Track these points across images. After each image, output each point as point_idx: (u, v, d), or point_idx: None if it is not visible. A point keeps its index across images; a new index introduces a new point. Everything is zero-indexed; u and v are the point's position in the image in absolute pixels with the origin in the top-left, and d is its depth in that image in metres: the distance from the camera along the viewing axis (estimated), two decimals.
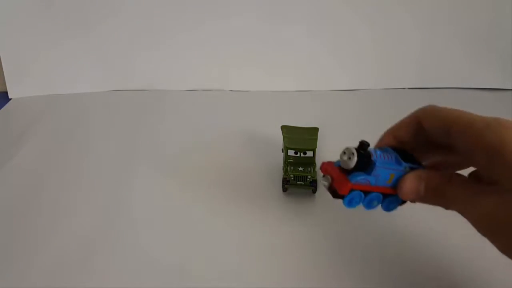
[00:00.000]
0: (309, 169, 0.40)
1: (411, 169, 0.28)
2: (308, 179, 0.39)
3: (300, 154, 0.40)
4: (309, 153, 0.40)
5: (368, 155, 0.27)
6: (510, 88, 0.61)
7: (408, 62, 0.63)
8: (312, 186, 0.39)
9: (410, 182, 0.27)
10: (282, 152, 0.43)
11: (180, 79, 0.63)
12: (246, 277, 0.32)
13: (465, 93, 0.61)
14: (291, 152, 0.40)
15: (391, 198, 0.29)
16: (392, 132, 0.29)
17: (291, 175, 0.39)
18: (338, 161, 0.28)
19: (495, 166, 0.22)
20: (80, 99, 0.61)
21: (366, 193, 0.27)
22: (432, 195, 0.26)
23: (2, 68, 0.61)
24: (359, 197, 0.27)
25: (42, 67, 0.61)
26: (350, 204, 0.27)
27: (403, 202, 0.29)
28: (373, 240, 0.36)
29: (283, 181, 0.40)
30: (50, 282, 0.32)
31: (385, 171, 0.27)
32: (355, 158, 0.26)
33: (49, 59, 0.61)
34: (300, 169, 0.39)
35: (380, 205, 0.29)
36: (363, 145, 0.27)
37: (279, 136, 0.43)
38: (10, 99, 0.61)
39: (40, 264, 0.33)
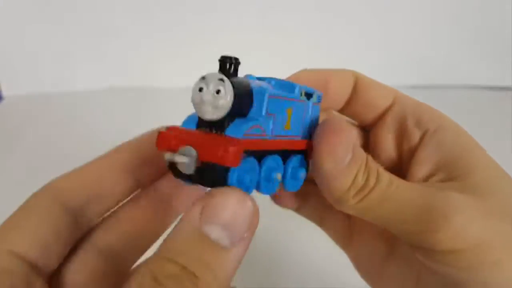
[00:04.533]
0: None
1: (308, 96, 0.16)
2: None
3: None
4: None
5: (244, 81, 0.15)
6: (511, 86, 0.61)
7: (408, 60, 0.62)
8: None
9: (339, 131, 0.15)
10: None
11: (178, 76, 0.62)
12: (246, 277, 0.32)
13: (466, 91, 0.61)
14: None
15: (295, 161, 0.16)
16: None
17: None
18: (189, 119, 0.15)
19: None
20: (74, 97, 0.60)
21: (259, 158, 0.15)
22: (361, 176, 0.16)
23: None
24: (253, 169, 0.15)
25: (35, 65, 0.60)
26: (241, 184, 0.14)
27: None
28: None
29: None
30: None
31: (281, 104, 0.15)
32: (230, 89, 0.14)
33: (43, 57, 0.60)
34: None
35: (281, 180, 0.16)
36: (226, 63, 0.15)
37: None
38: (3, 98, 0.60)
39: None
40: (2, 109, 0.58)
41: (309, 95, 0.17)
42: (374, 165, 0.16)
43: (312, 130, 0.17)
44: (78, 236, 0.16)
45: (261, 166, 0.15)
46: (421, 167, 0.17)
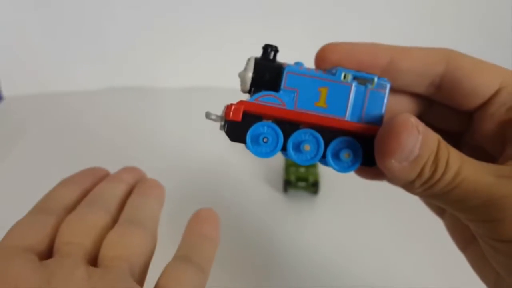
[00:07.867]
0: (311, 170, 0.39)
1: (360, 80, 0.17)
2: (309, 180, 0.38)
3: None
4: None
5: (273, 61, 0.18)
6: None
7: None
8: (314, 187, 0.38)
9: (404, 125, 0.15)
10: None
11: (178, 76, 0.62)
12: (246, 278, 0.31)
13: None
14: None
15: (344, 141, 0.18)
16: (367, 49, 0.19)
17: (293, 176, 0.38)
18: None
19: None
20: (74, 97, 0.59)
21: (289, 129, 0.17)
22: (432, 163, 0.15)
23: None
24: (272, 133, 0.17)
25: (35, 65, 0.60)
26: (256, 146, 0.17)
27: (370, 159, 0.17)
28: (376, 243, 0.35)
29: (284, 182, 0.39)
30: None
31: (307, 81, 0.17)
32: (252, 66, 0.18)
33: (43, 57, 0.60)
34: (301, 170, 0.39)
35: (321, 158, 0.18)
36: (267, 49, 0.18)
37: None
38: (3, 98, 0.60)
39: None
40: (2, 109, 0.58)
41: (363, 80, 0.17)
42: (444, 154, 0.15)
43: (373, 115, 0.17)
44: None
45: (290, 135, 0.17)
46: None
